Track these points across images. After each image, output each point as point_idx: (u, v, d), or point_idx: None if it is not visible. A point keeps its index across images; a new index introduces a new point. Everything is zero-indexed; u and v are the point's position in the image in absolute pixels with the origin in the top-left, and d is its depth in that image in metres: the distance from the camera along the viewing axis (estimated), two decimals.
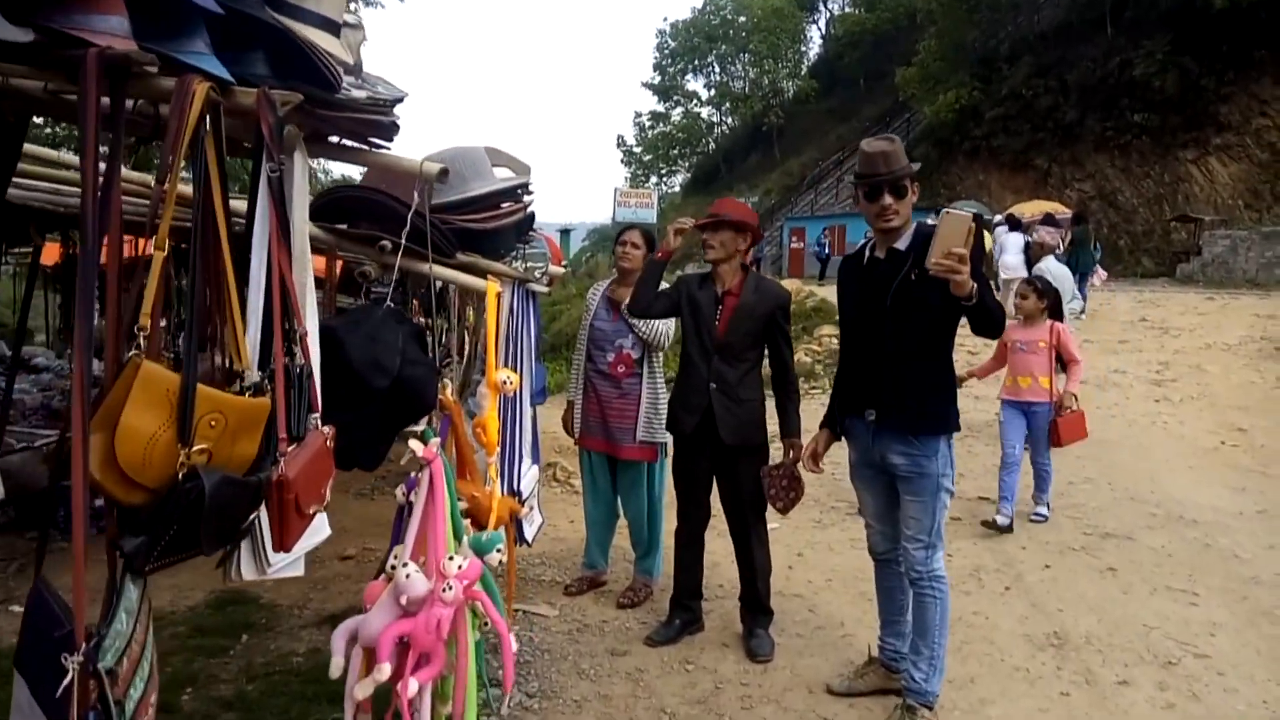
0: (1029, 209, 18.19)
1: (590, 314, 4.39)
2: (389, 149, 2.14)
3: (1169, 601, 4.26)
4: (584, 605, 4.39)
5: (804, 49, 45.02)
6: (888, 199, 3.04)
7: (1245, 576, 4.53)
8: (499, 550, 2.22)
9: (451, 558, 2.05)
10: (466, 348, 5.21)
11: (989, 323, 2.82)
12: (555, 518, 6.11)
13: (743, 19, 42.92)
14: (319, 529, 1.87)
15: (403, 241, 2.28)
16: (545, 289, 3.54)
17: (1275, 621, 3.98)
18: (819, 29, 46.53)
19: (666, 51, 46.26)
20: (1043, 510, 5.67)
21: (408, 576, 2.00)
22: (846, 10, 41.93)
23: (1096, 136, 24.38)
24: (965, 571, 4.69)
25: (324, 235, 2.67)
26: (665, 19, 68.73)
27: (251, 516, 1.55)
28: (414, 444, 2.07)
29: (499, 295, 2.74)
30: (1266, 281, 17.61)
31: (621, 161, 49.65)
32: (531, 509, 3.39)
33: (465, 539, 2.23)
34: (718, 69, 45.93)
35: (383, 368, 1.97)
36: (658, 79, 46.87)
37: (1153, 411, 8.54)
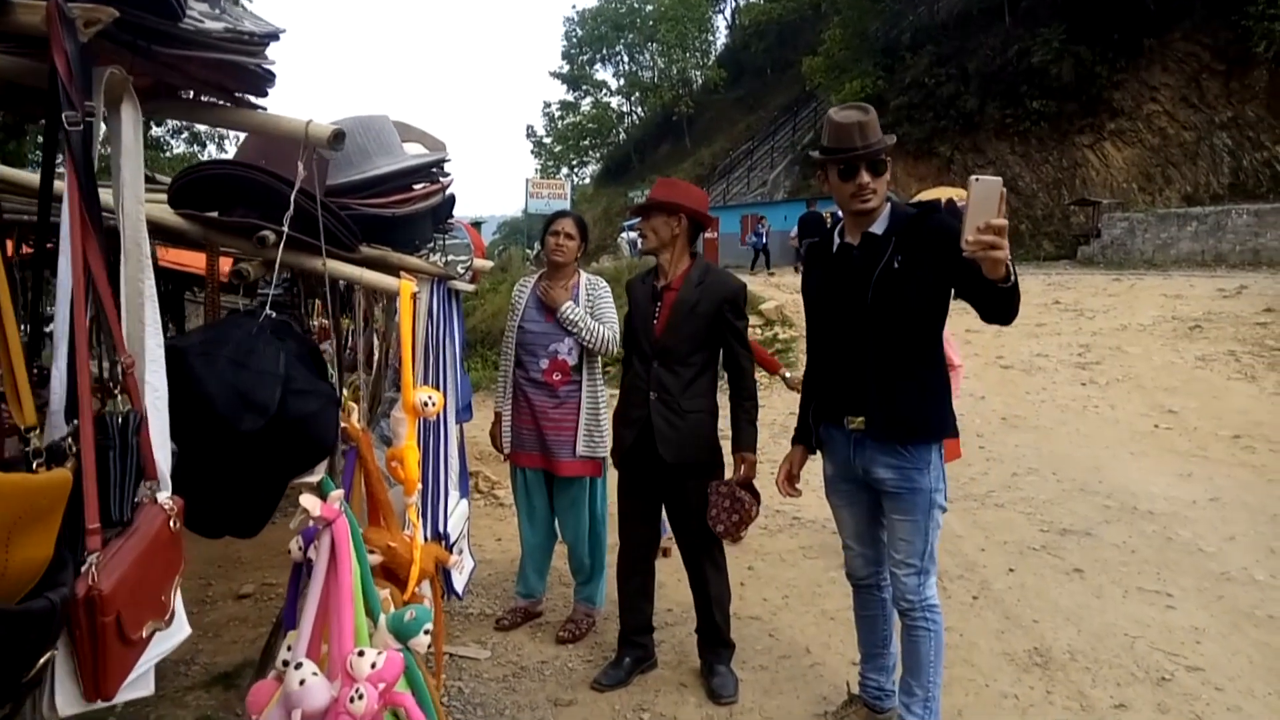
0: (937, 195, 18.35)
1: (518, 315, 3.83)
2: (264, 108, 1.59)
3: (1145, 605, 4.02)
4: (519, 642, 3.89)
5: (711, 38, 44.93)
6: (865, 177, 2.63)
7: (1215, 573, 4.34)
8: (427, 631, 1.71)
9: (362, 652, 1.53)
10: (376, 355, 4.63)
11: (1012, 307, 2.35)
12: (481, 536, 5.57)
13: (650, 8, 42.49)
14: (174, 632, 1.33)
15: (286, 230, 1.74)
16: (470, 286, 3.00)
17: (1259, 624, 3.78)
18: (725, 18, 46.56)
19: (574, 40, 45.51)
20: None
21: (302, 683, 1.47)
22: (752, 0, 41.99)
23: (996, 124, 24.93)
24: None
25: (186, 225, 2.10)
26: (573, 6, 67.84)
27: (45, 658, 1.00)
28: (307, 500, 1.54)
29: (415, 296, 2.21)
30: (1163, 262, 18.25)
31: (531, 152, 48.68)
32: (461, 553, 2.86)
33: (382, 619, 1.70)
34: (626, 58, 45.44)
35: (255, 403, 1.43)
36: (566, 68, 46.07)
37: (1082, 395, 8.51)
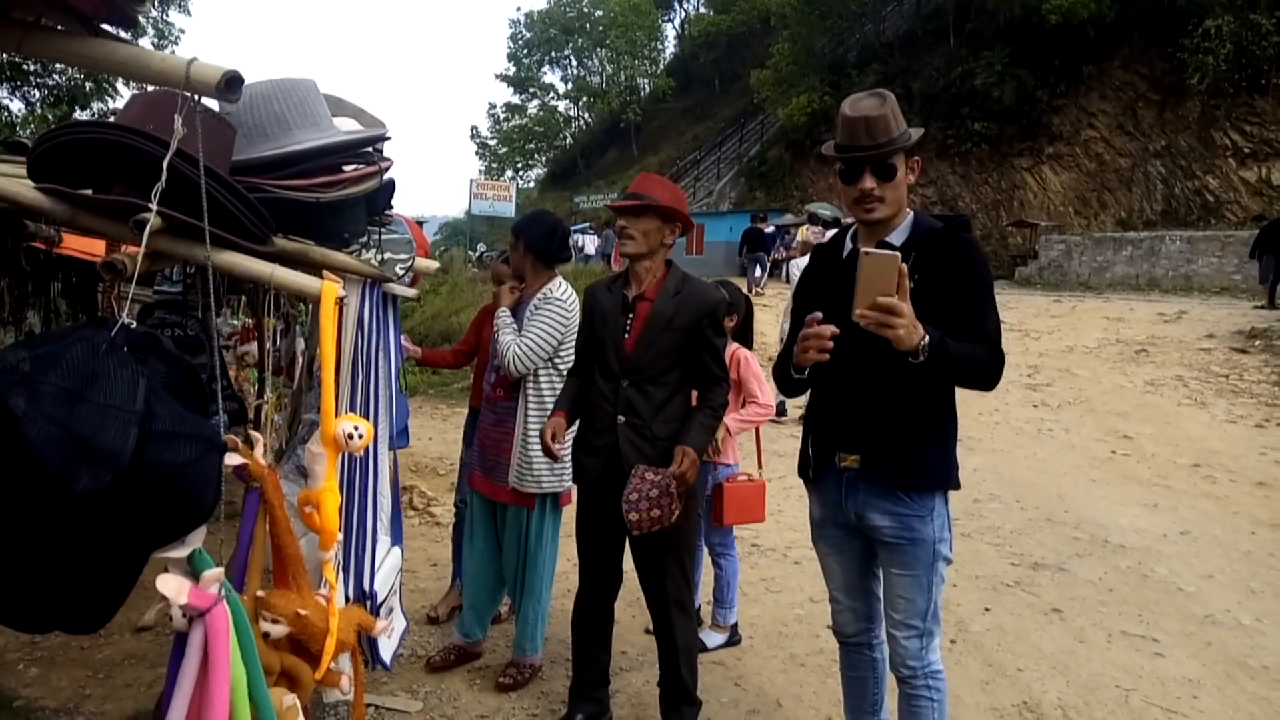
0: None
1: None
2: (131, 41, 1.17)
3: (1131, 652, 3.77)
4: (455, 689, 3.45)
5: (661, 47, 44.78)
6: (869, 182, 2.28)
7: (1199, 616, 4.12)
8: None
9: None
10: (300, 363, 4.12)
11: (967, 376, 2.22)
12: (414, 560, 5.10)
13: (599, 13, 42.15)
14: None
15: (152, 209, 1.31)
16: (411, 292, 2.57)
17: (1254, 675, 3.55)
18: (674, 28, 46.49)
19: (521, 42, 44.86)
20: (715, 638, 3.88)
21: None
22: (702, 11, 42.01)
23: (939, 144, 25.20)
24: None
25: (47, 203, 1.65)
26: (519, 9, 67.18)
27: None
28: (166, 584, 1.12)
29: (341, 301, 1.79)
30: (1098, 284, 18.57)
31: (476, 154, 47.82)
32: (392, 611, 2.43)
33: None
34: (575, 63, 44.97)
35: (98, 452, 1.01)
36: (512, 70, 45.36)
37: (1035, 418, 8.39)
